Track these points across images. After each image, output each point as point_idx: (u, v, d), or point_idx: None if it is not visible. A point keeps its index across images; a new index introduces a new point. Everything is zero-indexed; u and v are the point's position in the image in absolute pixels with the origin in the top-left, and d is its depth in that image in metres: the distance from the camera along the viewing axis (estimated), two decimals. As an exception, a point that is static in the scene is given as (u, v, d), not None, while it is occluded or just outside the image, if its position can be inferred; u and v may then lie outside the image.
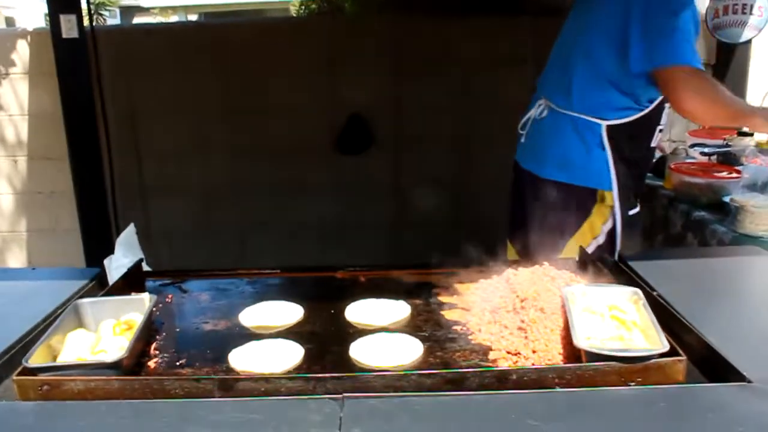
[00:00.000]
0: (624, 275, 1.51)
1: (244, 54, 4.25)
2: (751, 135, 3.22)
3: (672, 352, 1.09)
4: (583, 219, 2.28)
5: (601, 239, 2.27)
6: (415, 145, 4.39)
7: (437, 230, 4.18)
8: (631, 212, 2.34)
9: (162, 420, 0.98)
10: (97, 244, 4.05)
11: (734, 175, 2.79)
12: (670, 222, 2.96)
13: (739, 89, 3.92)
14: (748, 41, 3.84)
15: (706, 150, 3.25)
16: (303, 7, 6.63)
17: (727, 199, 2.60)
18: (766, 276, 1.58)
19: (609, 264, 1.59)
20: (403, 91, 4.30)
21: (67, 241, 4.41)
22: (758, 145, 3.14)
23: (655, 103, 2.18)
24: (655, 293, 1.36)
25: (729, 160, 3.08)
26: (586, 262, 1.57)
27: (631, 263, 1.55)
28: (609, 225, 2.27)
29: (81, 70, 3.90)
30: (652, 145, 2.31)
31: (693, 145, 3.39)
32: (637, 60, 2.06)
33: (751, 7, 3.74)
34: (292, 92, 4.29)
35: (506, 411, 0.99)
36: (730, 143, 3.26)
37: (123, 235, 1.79)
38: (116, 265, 1.71)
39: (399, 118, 4.36)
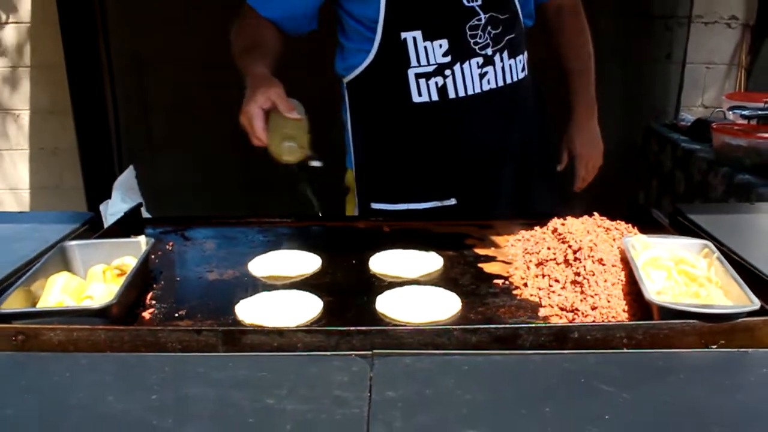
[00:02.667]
0: (687, 229, 1.32)
1: None
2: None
3: (763, 311, 0.91)
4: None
5: None
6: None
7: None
8: (387, 206, 1.69)
9: (154, 377, 0.82)
10: (102, 201, 3.89)
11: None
12: (710, 186, 2.77)
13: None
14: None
15: (746, 113, 3.07)
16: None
17: (774, 160, 2.42)
18: None
19: (668, 216, 1.40)
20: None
21: (72, 198, 4.25)
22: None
23: (375, 42, 1.58)
24: (724, 248, 1.18)
25: (770, 121, 2.89)
26: (640, 214, 1.38)
27: (691, 216, 1.36)
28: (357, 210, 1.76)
29: (85, 17, 3.73)
30: (416, 100, 1.60)
31: (732, 108, 3.21)
32: None
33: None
34: (307, 46, 4.07)
35: (571, 374, 0.81)
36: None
37: (121, 177, 1.63)
38: (113, 211, 1.57)
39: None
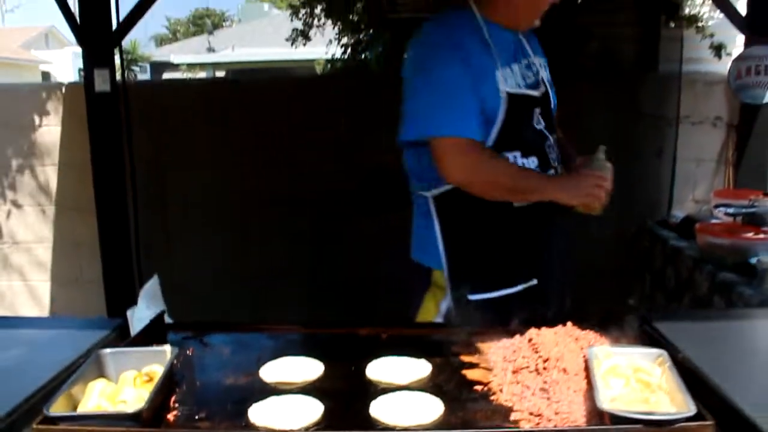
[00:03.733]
0: (649, 337, 1.48)
1: (268, 109, 4.35)
2: (776, 196, 3.20)
3: (699, 416, 1.07)
4: (422, 297, 2.06)
5: (439, 320, 1.98)
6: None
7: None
8: (485, 295, 1.94)
9: (180, 475, 0.97)
10: (120, 295, 4.08)
11: (761, 236, 2.76)
12: (696, 284, 2.92)
13: (761, 150, 3.93)
14: (772, 102, 3.84)
15: (731, 210, 3.22)
16: (329, 65, 6.79)
17: (754, 260, 2.57)
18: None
19: (634, 325, 1.56)
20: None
21: (90, 291, 4.46)
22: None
23: None
24: (680, 355, 1.34)
25: (755, 220, 3.04)
26: (610, 323, 1.55)
27: (656, 324, 1.52)
28: (446, 304, 1.98)
29: (111, 122, 4.02)
30: (516, 205, 1.93)
31: (717, 206, 3.36)
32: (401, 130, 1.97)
33: (774, 68, 3.76)
34: (315, 146, 4.36)
35: (529, 474, 0.96)
36: (756, 203, 3.23)
37: (147, 286, 1.80)
38: (138, 317, 1.71)
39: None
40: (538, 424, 1.16)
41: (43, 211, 4.51)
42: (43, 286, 4.61)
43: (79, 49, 4.00)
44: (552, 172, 1.99)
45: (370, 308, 4.24)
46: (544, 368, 1.29)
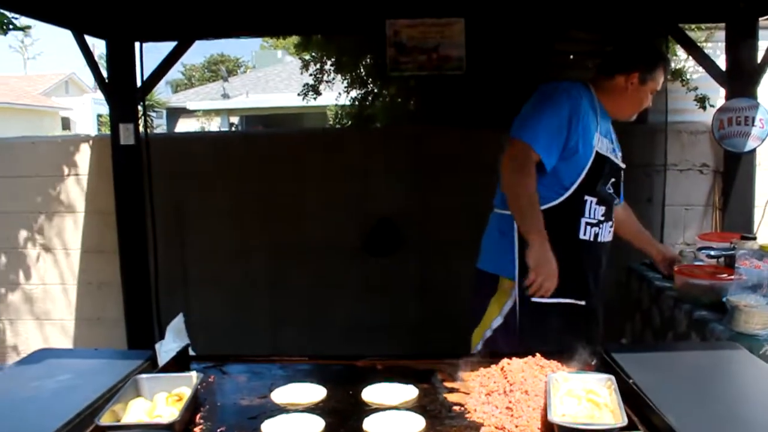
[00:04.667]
0: (606, 365, 1.72)
1: (282, 161, 4.65)
2: (754, 239, 3.42)
3: (631, 427, 1.31)
4: (486, 301, 2.53)
5: (499, 320, 2.48)
6: (442, 247, 4.64)
7: (461, 331, 4.36)
8: (545, 300, 2.39)
9: (207, 471, 1.22)
10: (140, 333, 4.34)
11: (734, 276, 2.98)
12: (676, 321, 3.12)
13: (746, 195, 4.15)
14: (753, 150, 4.09)
15: (712, 253, 3.44)
16: (338, 119, 7.13)
17: (724, 299, 2.78)
18: (735, 368, 1.78)
19: (595, 355, 1.80)
20: (431, 197, 4.62)
21: (112, 329, 4.71)
22: (762, 248, 3.33)
23: (568, 193, 2.43)
24: (631, 381, 1.58)
25: (733, 262, 3.26)
26: (574, 354, 1.79)
27: (615, 355, 1.76)
28: (508, 306, 2.47)
29: (135, 172, 4.34)
30: (582, 237, 2.46)
31: (701, 248, 3.57)
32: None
33: (753, 119, 4.01)
34: (326, 197, 4.65)
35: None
36: (736, 246, 3.45)
37: (173, 323, 2.06)
38: (165, 349, 1.97)
39: (426, 222, 4.65)
40: (501, 435, 1.41)
41: (68, 254, 4.80)
42: (68, 324, 4.87)
43: (97, 96, 4.34)
44: (610, 223, 2.58)
45: (368, 340, 4.48)
46: (510, 390, 1.53)
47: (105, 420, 1.38)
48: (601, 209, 2.51)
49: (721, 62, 4.17)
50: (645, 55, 2.59)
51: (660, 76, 2.55)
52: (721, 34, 4.56)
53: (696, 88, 5.05)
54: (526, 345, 2.26)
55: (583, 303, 2.51)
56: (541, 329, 2.40)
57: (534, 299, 2.38)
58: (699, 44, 4.49)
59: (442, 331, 4.60)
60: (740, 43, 3.99)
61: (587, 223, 2.47)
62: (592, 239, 2.49)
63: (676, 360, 1.84)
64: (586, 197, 2.45)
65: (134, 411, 1.48)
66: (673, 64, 5.13)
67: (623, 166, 2.65)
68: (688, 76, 5.20)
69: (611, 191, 2.57)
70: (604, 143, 2.50)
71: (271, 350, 4.69)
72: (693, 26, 5.15)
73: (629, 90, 2.52)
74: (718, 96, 4.70)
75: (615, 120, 2.64)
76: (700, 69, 4.46)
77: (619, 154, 2.64)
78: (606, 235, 2.56)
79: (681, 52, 4.96)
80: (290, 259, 4.71)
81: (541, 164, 2.36)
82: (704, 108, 4.98)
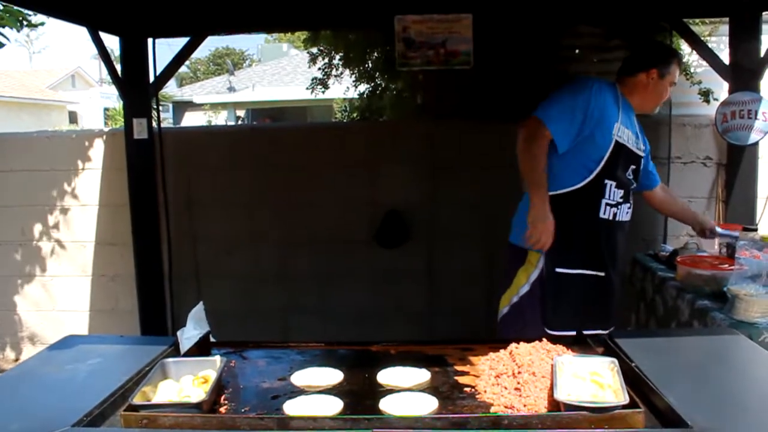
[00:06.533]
0: (610, 349, 1.80)
1: (292, 154, 4.73)
2: (756, 230, 3.49)
3: (631, 405, 1.39)
4: (515, 272, 2.78)
5: (526, 288, 2.73)
6: (449, 239, 4.73)
7: (468, 318, 4.45)
8: (568, 270, 2.70)
9: (235, 445, 1.31)
10: (153, 323, 4.44)
11: (735, 266, 3.05)
12: (679, 311, 3.20)
13: (748, 188, 4.21)
14: (756, 143, 4.15)
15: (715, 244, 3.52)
16: (346, 113, 7.20)
17: (725, 288, 2.86)
18: (735, 354, 1.86)
19: (600, 340, 1.89)
20: (438, 189, 4.70)
21: (126, 320, 4.82)
22: (762, 239, 3.40)
23: (591, 177, 2.68)
24: (633, 364, 1.66)
25: (734, 253, 3.33)
26: (579, 339, 1.87)
27: (618, 340, 1.85)
28: (535, 276, 2.72)
29: (148, 166, 4.43)
30: (602, 216, 2.72)
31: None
32: None
33: (756, 112, 4.07)
34: (335, 189, 4.73)
35: (498, 445, 1.29)
36: (738, 237, 3.51)
37: (194, 310, 2.14)
38: (187, 336, 2.06)
39: (433, 215, 4.73)
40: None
41: (83, 246, 4.90)
42: (82, 315, 4.97)
43: (104, 90, 4.44)
44: (628, 205, 2.81)
45: (377, 329, 4.57)
46: (519, 372, 1.61)
47: (138, 399, 1.47)
48: (620, 192, 2.74)
49: (725, 56, 4.22)
50: (661, 52, 2.90)
51: (675, 69, 2.83)
52: (725, 29, 4.60)
53: (700, 82, 5.10)
54: (549, 311, 2.66)
55: (602, 274, 2.75)
56: (564, 296, 2.68)
57: (558, 269, 2.68)
58: (703, 38, 4.55)
59: (449, 318, 4.70)
60: (744, 37, 4.05)
61: (607, 204, 2.71)
62: (611, 218, 2.73)
63: (677, 345, 1.92)
64: (606, 181, 2.69)
65: (163, 391, 1.57)
66: (676, 58, 5.18)
67: (642, 154, 2.89)
68: (692, 70, 5.25)
69: (631, 177, 2.82)
70: (625, 133, 2.73)
71: (282, 339, 4.78)
72: (697, 20, 5.21)
73: (650, 85, 2.80)
74: (722, 89, 4.75)
75: (642, 113, 2.92)
76: (704, 63, 4.51)
77: (642, 146, 2.89)
78: (623, 215, 2.80)
79: (685, 46, 5.00)
80: (300, 250, 4.80)
81: (554, 145, 2.62)
82: (708, 101, 5.03)
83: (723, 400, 1.52)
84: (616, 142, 2.69)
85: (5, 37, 4.70)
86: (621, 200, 2.77)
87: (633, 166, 2.83)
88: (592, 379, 1.56)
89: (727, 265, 3.12)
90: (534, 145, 2.61)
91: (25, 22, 4.94)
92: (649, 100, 2.88)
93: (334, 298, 4.79)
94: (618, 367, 1.57)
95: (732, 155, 4.31)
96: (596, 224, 2.73)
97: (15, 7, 4.45)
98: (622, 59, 2.97)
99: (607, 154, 2.69)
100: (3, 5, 4.51)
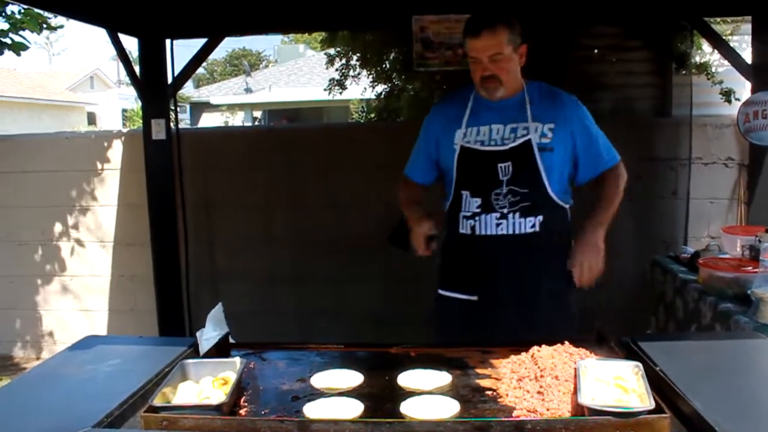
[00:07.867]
0: (633, 353, 1.78)
1: (308, 155, 4.73)
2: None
3: (657, 410, 1.36)
4: None
5: None
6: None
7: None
8: (443, 292, 2.62)
9: (256, 449, 1.30)
10: (171, 323, 4.46)
11: (759, 269, 3.01)
12: (701, 313, 3.16)
13: (770, 188, 4.16)
14: (779, 143, 4.09)
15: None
16: (363, 113, 7.20)
17: (749, 291, 2.82)
18: (760, 358, 1.82)
19: (623, 344, 1.86)
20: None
21: (143, 319, 4.85)
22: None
23: (452, 193, 2.52)
24: (657, 368, 1.63)
25: (758, 255, 3.28)
26: (601, 341, 1.85)
27: (641, 343, 1.82)
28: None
29: (166, 167, 4.45)
30: (461, 231, 2.48)
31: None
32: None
33: (779, 111, 4.02)
34: (352, 190, 4.72)
35: (521, 450, 1.27)
36: (761, 239, 3.46)
37: (213, 311, 2.14)
38: (206, 337, 2.05)
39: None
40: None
41: (102, 246, 4.93)
42: (101, 314, 5.01)
43: (122, 91, 4.47)
44: (496, 215, 2.42)
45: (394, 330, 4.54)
46: (541, 376, 1.59)
47: (158, 401, 1.47)
48: (476, 201, 2.43)
49: (747, 55, 4.18)
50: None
51: (466, 42, 2.44)
52: (747, 27, 4.55)
53: (721, 82, 5.05)
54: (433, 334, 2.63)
55: (474, 298, 2.49)
56: (444, 318, 2.61)
57: (439, 291, 2.63)
58: (724, 37, 4.50)
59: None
60: (766, 36, 3.99)
61: (464, 217, 2.48)
62: (469, 232, 2.46)
63: (701, 349, 1.89)
64: (462, 192, 2.48)
65: (183, 393, 1.56)
66: (698, 57, 5.13)
67: (515, 144, 2.39)
68: (713, 70, 5.19)
69: (505, 177, 2.39)
70: (480, 133, 2.44)
71: (299, 341, 4.78)
72: (718, 19, 5.15)
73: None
74: (744, 89, 4.71)
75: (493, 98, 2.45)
76: (726, 62, 4.46)
77: (533, 135, 2.39)
78: (486, 228, 2.42)
79: (706, 46, 4.96)
80: (317, 251, 4.80)
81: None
82: (729, 101, 4.98)
83: (750, 405, 1.49)
84: (462, 147, 2.44)
85: (26, 40, 4.74)
86: (478, 210, 2.42)
87: (504, 164, 2.39)
88: (615, 384, 1.54)
89: (750, 268, 3.08)
90: (402, 195, 2.72)
91: (44, 25, 4.98)
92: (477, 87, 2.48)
93: (350, 300, 4.79)
94: (642, 371, 1.54)
95: (754, 156, 4.26)
96: (456, 240, 2.53)
97: (35, 10, 4.49)
98: (641, 59, 2.91)
99: (455, 164, 2.47)
100: (23, 8, 4.55)
